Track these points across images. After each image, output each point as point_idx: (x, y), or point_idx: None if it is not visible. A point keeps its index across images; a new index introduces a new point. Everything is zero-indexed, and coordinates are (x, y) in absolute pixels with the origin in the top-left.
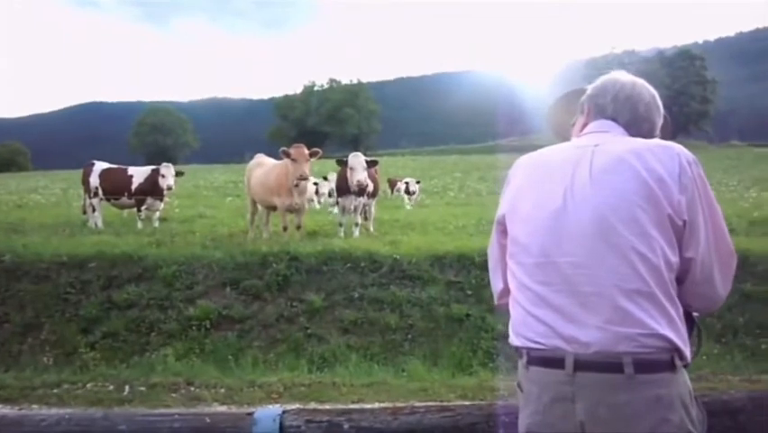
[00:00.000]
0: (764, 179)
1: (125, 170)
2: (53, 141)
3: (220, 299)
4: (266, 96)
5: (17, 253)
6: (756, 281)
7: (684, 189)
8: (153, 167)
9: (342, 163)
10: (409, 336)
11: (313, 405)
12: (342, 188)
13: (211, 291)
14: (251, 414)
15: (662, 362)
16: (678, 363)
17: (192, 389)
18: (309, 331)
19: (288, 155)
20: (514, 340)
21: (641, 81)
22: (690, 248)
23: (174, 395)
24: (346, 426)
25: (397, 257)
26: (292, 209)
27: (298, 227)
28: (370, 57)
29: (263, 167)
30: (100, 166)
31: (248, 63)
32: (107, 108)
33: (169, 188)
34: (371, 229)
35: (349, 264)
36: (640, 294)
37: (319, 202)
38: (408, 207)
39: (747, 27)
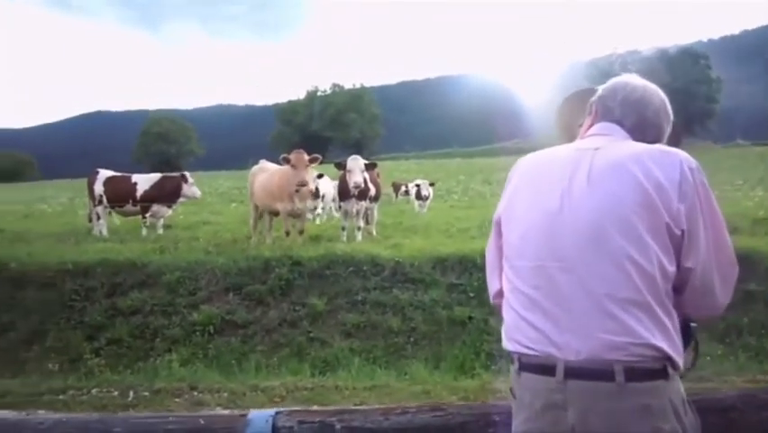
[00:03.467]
0: None
1: (129, 178)
2: (60, 150)
3: (223, 305)
4: (270, 102)
5: (22, 262)
6: (760, 281)
7: (684, 197)
8: (160, 174)
9: (341, 166)
10: (412, 339)
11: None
12: (344, 193)
13: (214, 297)
14: (244, 415)
15: (653, 370)
16: (670, 371)
17: (195, 394)
18: (312, 335)
19: (287, 161)
20: (506, 344)
21: (653, 86)
22: (690, 258)
23: (177, 400)
24: (338, 426)
25: (400, 260)
26: (294, 214)
27: (301, 232)
28: (372, 61)
29: (265, 172)
30: (104, 174)
31: (250, 69)
32: (112, 117)
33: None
34: (374, 233)
35: (351, 268)
36: (633, 303)
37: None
38: (422, 212)
39: (752, 25)
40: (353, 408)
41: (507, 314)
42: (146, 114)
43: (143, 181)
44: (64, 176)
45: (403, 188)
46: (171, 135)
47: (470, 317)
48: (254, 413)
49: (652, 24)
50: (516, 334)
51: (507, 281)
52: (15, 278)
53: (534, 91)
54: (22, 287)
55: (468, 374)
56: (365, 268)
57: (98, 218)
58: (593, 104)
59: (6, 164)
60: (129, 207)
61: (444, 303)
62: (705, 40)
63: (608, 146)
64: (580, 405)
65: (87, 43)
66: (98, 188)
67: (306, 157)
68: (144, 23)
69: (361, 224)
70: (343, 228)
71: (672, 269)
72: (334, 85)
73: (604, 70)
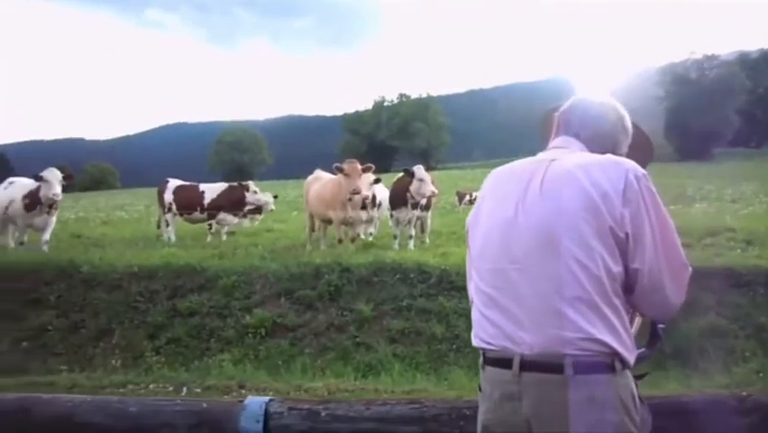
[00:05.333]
0: None
1: (197, 187)
2: (140, 161)
3: (275, 308)
4: (339, 113)
5: (93, 265)
6: None
7: (628, 203)
8: (226, 184)
9: (409, 174)
10: (454, 346)
11: None
12: (397, 201)
13: (267, 301)
14: (242, 402)
15: (600, 364)
16: (618, 366)
17: (243, 391)
18: (357, 340)
19: (341, 170)
20: (473, 341)
21: (611, 102)
22: (636, 259)
23: (226, 397)
24: (323, 413)
25: (446, 268)
26: (347, 222)
27: (353, 240)
28: (440, 71)
29: (319, 182)
30: (174, 183)
31: (320, 80)
32: (189, 129)
33: (266, 204)
34: (427, 241)
35: (398, 275)
36: (580, 301)
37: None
38: None
39: None
40: (339, 399)
41: (473, 313)
42: (220, 125)
43: (210, 190)
44: (143, 185)
45: (467, 197)
46: (244, 145)
47: None
48: (250, 399)
49: (731, 28)
50: (479, 331)
51: (471, 283)
52: (87, 280)
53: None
54: (92, 288)
55: None
56: (412, 275)
57: (167, 225)
58: (557, 118)
59: (91, 174)
60: (197, 215)
61: None
62: None
63: (563, 157)
64: (533, 396)
65: (166, 59)
66: (168, 196)
67: (359, 166)
68: (218, 39)
69: (413, 232)
70: (395, 237)
71: (617, 269)
72: (401, 95)
73: (679, 76)
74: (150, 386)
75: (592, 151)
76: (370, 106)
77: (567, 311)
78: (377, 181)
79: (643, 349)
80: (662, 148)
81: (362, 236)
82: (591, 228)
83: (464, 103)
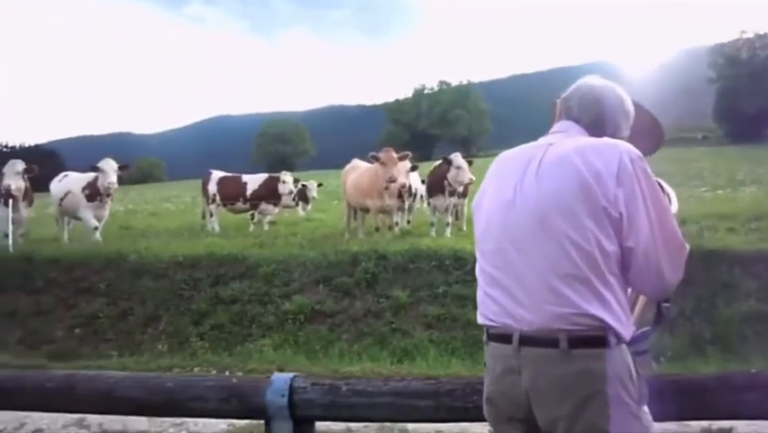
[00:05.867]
0: None
1: (240, 178)
2: (186, 153)
3: (313, 295)
4: (380, 102)
5: (141, 255)
6: None
7: (621, 183)
8: (267, 174)
9: (447, 162)
10: None
11: None
12: (434, 189)
13: (306, 288)
14: (269, 377)
15: (594, 338)
16: (612, 340)
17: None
18: (394, 325)
19: (377, 159)
20: (478, 318)
21: (611, 85)
22: (630, 238)
23: None
24: (344, 388)
25: None
26: (383, 210)
27: (390, 228)
28: (482, 56)
29: (356, 171)
30: (217, 175)
31: (360, 70)
32: (232, 121)
33: (291, 193)
34: (464, 228)
35: (434, 262)
36: (574, 278)
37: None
38: None
39: None
40: (358, 375)
41: (478, 292)
42: (262, 117)
43: (252, 181)
44: (189, 177)
45: None
46: (286, 136)
47: None
48: (277, 375)
49: None
50: (483, 308)
51: (477, 263)
52: (134, 269)
53: (654, 81)
54: (139, 277)
55: None
56: (448, 262)
57: (211, 215)
58: (558, 104)
59: (140, 168)
60: (239, 205)
61: None
62: None
63: (560, 142)
64: (532, 369)
65: (207, 52)
66: (212, 187)
67: (395, 154)
68: (258, 31)
69: (450, 219)
70: (432, 224)
71: (612, 248)
72: (441, 82)
73: (730, 57)
74: (195, 369)
75: (592, 135)
76: (410, 95)
77: (561, 288)
78: (413, 169)
79: (647, 328)
80: (712, 131)
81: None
82: (584, 208)
83: (506, 88)
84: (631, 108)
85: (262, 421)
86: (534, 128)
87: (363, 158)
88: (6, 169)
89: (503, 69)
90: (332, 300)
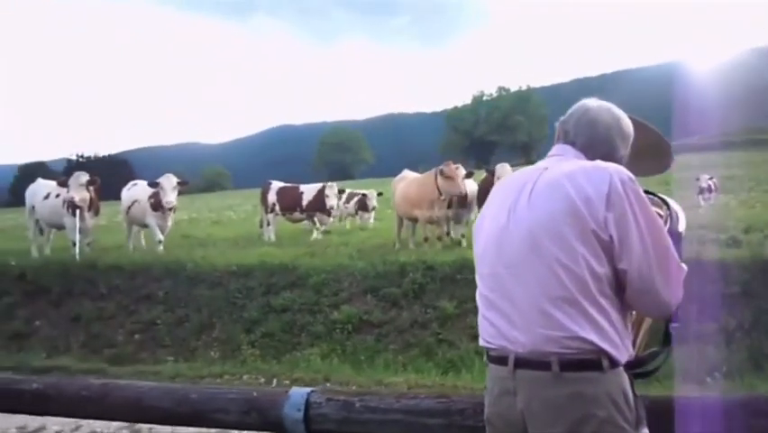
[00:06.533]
0: None
1: (297, 188)
2: (250, 162)
3: (361, 305)
4: (439, 109)
5: (197, 263)
6: None
7: (612, 206)
8: (321, 184)
9: (490, 173)
10: None
11: None
12: (482, 200)
13: (354, 298)
14: (287, 391)
15: (586, 361)
16: (605, 363)
17: (327, 385)
18: (440, 336)
19: (442, 173)
20: (480, 341)
21: (607, 106)
22: (623, 260)
23: None
24: (358, 404)
25: None
26: (432, 221)
27: (439, 238)
28: (543, 61)
29: (405, 181)
30: (276, 185)
31: (419, 78)
32: (295, 130)
33: (331, 208)
34: None
35: None
36: (564, 300)
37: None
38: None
39: None
40: (374, 391)
41: (478, 315)
42: (323, 126)
43: (309, 191)
44: (252, 186)
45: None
46: (345, 145)
47: None
48: (294, 390)
49: None
50: (482, 331)
51: (477, 287)
52: (191, 277)
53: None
54: (195, 285)
55: None
56: None
57: (268, 224)
58: (557, 127)
59: (206, 177)
60: (297, 215)
61: None
62: None
63: (555, 166)
64: (526, 391)
65: (269, 62)
66: (271, 197)
67: (455, 167)
68: (318, 40)
69: None
70: None
71: (602, 270)
72: (500, 88)
73: None
74: (244, 377)
75: (588, 157)
76: (468, 101)
77: (552, 311)
78: (468, 175)
79: (654, 349)
80: None
81: (453, 235)
82: (573, 231)
83: (569, 93)
84: (629, 128)
85: None
86: None
87: (427, 167)
88: (71, 181)
89: (565, 73)
90: (379, 311)
